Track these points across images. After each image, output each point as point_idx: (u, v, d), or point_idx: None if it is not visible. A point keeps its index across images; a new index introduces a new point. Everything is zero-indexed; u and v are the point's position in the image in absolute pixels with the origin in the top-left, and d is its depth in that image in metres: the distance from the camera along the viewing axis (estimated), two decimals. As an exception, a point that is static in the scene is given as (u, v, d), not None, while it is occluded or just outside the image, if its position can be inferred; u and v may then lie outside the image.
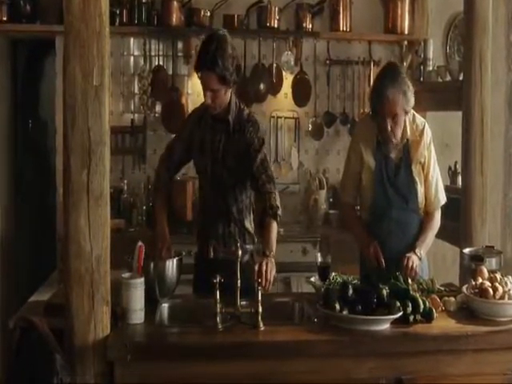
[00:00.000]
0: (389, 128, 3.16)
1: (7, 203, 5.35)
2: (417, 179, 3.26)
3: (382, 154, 3.27)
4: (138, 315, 2.63)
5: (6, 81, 5.51)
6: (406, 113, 3.19)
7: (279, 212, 3.04)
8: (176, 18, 5.05)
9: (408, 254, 3.09)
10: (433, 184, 3.30)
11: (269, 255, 2.89)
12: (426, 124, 3.33)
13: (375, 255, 3.15)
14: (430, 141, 3.31)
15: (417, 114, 3.34)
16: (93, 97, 2.46)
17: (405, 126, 3.24)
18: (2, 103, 5.38)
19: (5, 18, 4.93)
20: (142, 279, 2.66)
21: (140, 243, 2.80)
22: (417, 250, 3.12)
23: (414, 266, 3.06)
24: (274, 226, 3.02)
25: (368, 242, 3.23)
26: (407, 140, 3.27)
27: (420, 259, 3.12)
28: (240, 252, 2.74)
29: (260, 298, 2.61)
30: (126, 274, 2.70)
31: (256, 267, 2.83)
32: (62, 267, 3.16)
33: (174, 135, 4.97)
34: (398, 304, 2.60)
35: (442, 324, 2.67)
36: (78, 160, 2.45)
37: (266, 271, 2.82)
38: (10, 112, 5.57)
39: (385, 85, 3.12)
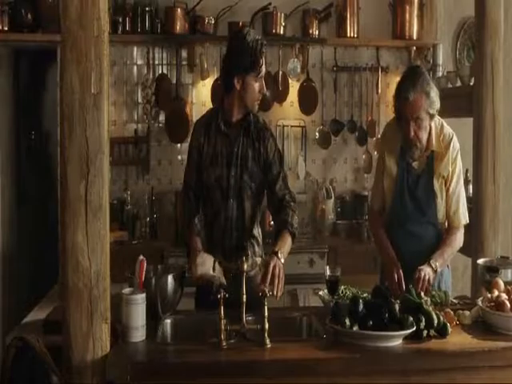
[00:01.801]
0: (412, 132, 3.04)
1: (10, 215, 5.28)
2: (438, 193, 3.14)
3: (405, 162, 3.17)
4: (139, 332, 2.52)
5: (9, 91, 5.47)
6: (431, 116, 3.07)
7: (296, 235, 3.00)
8: (180, 25, 5.01)
9: (421, 267, 2.96)
10: (453, 200, 3.16)
11: (280, 257, 2.79)
12: (455, 136, 3.18)
13: (398, 282, 3.00)
14: (456, 154, 3.16)
15: (446, 125, 3.21)
16: (91, 105, 2.37)
17: (431, 136, 3.13)
18: (5, 114, 5.34)
19: (6, 28, 4.89)
20: (143, 295, 2.55)
21: (141, 257, 2.70)
22: (432, 261, 2.99)
23: (427, 278, 2.93)
24: (290, 240, 2.95)
25: (392, 263, 3.08)
26: (432, 151, 3.15)
27: (435, 272, 2.99)
28: (245, 266, 2.63)
29: (266, 313, 2.50)
30: (127, 290, 2.59)
31: (269, 268, 2.73)
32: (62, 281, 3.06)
33: (178, 145, 5.06)
34: (411, 319, 2.48)
35: (457, 339, 2.56)
36: (76, 171, 2.36)
37: (279, 275, 2.73)
38: (13, 123, 5.52)
39: (406, 87, 3.03)
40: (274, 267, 2.75)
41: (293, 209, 3.03)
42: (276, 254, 2.82)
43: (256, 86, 2.99)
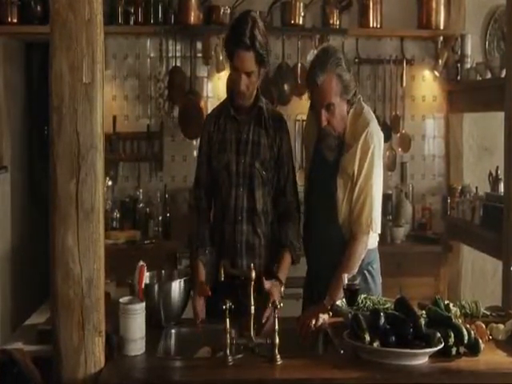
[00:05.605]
0: (324, 121, 2.72)
1: (21, 214, 5.15)
2: (339, 188, 2.78)
3: (320, 154, 2.88)
4: (137, 345, 2.32)
5: (21, 86, 5.38)
6: (349, 103, 2.76)
7: (297, 251, 2.92)
8: (194, 16, 4.85)
9: (307, 310, 2.71)
10: (358, 202, 2.73)
11: (281, 283, 2.75)
12: (371, 130, 2.74)
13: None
14: (371, 152, 2.72)
15: (367, 114, 2.80)
16: (82, 96, 2.19)
17: (346, 124, 2.79)
18: (17, 109, 5.24)
19: (15, 20, 4.81)
20: (143, 304, 2.35)
21: (141, 263, 2.50)
22: (325, 301, 2.63)
23: (312, 323, 2.55)
24: (289, 260, 2.88)
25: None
26: (343, 142, 2.80)
27: (329, 309, 2.62)
28: (253, 274, 2.42)
29: (277, 326, 2.28)
30: (125, 298, 2.38)
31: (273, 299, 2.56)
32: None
33: (192, 141, 4.86)
34: (438, 335, 2.25)
35: (490, 357, 2.32)
36: (66, 168, 2.18)
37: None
38: (25, 119, 5.41)
39: (314, 72, 2.71)
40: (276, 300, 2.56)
41: (298, 222, 2.95)
42: (280, 282, 2.76)
43: (235, 66, 2.80)
